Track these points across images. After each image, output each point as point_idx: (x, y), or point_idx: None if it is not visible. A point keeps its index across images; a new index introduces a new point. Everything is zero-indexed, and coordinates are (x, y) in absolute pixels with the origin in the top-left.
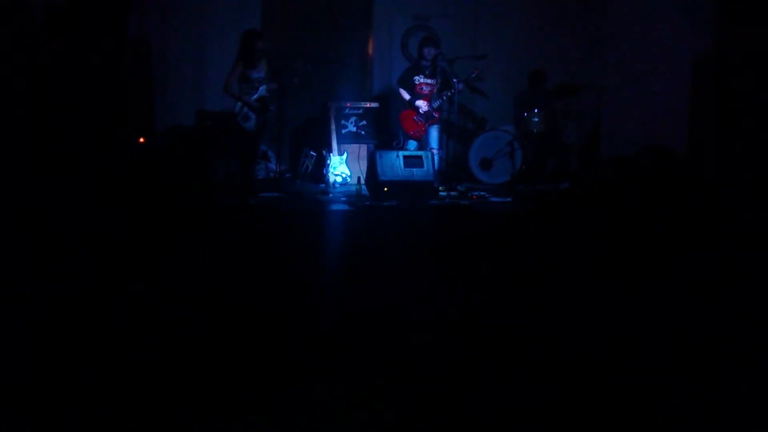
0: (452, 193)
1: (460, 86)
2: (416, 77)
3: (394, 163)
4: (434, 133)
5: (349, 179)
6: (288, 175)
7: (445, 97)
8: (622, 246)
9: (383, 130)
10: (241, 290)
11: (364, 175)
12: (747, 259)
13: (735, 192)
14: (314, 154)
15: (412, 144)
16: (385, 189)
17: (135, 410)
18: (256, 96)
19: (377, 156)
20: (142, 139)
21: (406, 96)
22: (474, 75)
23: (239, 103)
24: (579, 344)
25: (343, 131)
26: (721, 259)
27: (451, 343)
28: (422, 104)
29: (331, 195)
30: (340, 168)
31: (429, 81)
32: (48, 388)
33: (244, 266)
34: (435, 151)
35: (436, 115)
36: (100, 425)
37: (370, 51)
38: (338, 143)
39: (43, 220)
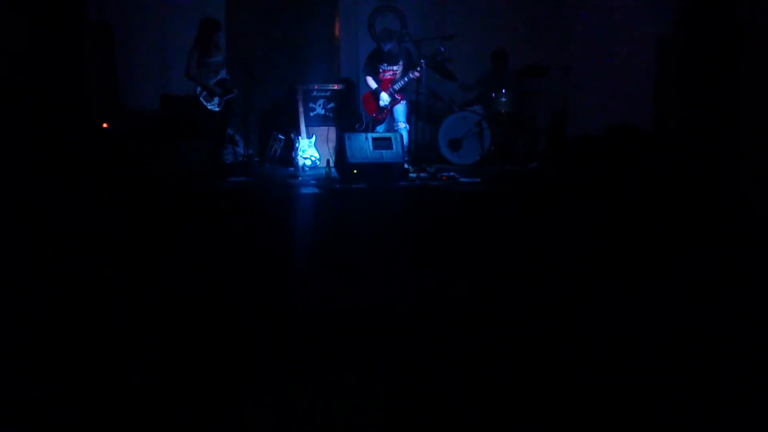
0: (422, 175)
1: (420, 70)
2: (380, 65)
3: (363, 145)
4: (400, 108)
5: (318, 162)
6: (256, 159)
7: (407, 78)
8: (594, 228)
9: (351, 113)
10: (212, 277)
11: (333, 158)
12: (747, 259)
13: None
14: (282, 137)
15: (381, 126)
16: (355, 171)
17: (135, 410)
18: (216, 79)
19: (346, 138)
20: (105, 125)
21: (373, 85)
22: (438, 57)
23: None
24: (574, 339)
25: (311, 114)
26: (721, 259)
27: (427, 327)
28: (384, 97)
29: (300, 178)
30: (308, 151)
31: (392, 67)
32: (48, 388)
33: (216, 252)
34: (402, 125)
35: (399, 97)
36: (100, 425)
37: (337, 32)
38: (306, 126)
39: (42, 219)
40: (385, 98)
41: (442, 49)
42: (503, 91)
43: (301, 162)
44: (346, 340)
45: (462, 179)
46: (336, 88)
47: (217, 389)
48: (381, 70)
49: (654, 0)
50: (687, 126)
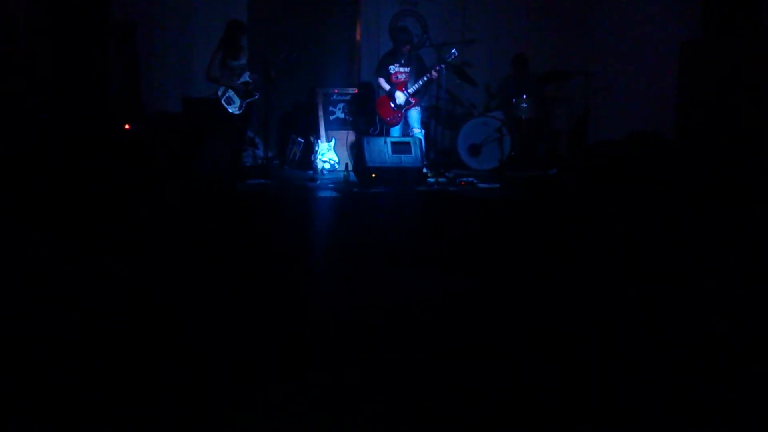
0: (440, 180)
1: (438, 70)
2: (391, 66)
3: (382, 149)
4: (414, 114)
5: (337, 166)
6: (276, 161)
7: (421, 82)
8: (614, 234)
9: (370, 117)
10: (229, 278)
11: (352, 162)
12: (747, 258)
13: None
14: (302, 140)
15: (396, 131)
16: (373, 175)
17: (133, 409)
18: (238, 82)
19: (365, 142)
20: (127, 126)
21: (386, 86)
22: (449, 57)
23: (222, 88)
24: (577, 340)
25: (331, 117)
26: (721, 258)
27: (443, 331)
28: (399, 95)
29: (319, 182)
30: (328, 154)
31: (404, 69)
32: (48, 388)
33: (233, 253)
34: (416, 131)
35: (413, 100)
36: (99, 425)
37: (358, 36)
38: (326, 130)
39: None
40: (400, 97)
41: (454, 51)
42: (524, 96)
43: (320, 165)
44: (355, 341)
45: (480, 185)
46: (356, 92)
47: (219, 389)
48: (393, 72)
49: (678, 5)
50: (710, 132)
